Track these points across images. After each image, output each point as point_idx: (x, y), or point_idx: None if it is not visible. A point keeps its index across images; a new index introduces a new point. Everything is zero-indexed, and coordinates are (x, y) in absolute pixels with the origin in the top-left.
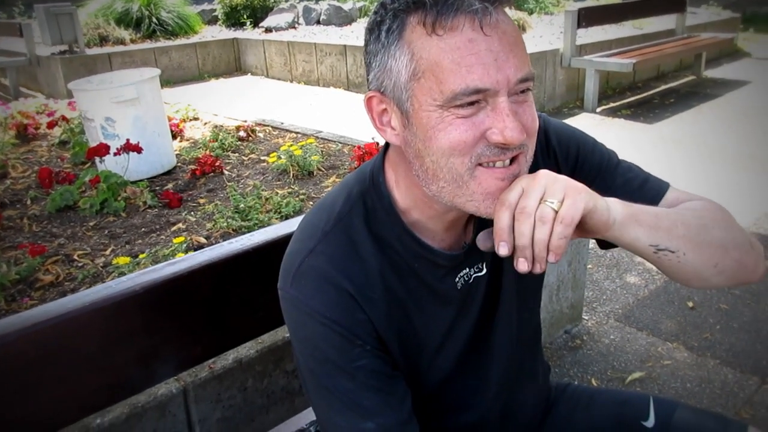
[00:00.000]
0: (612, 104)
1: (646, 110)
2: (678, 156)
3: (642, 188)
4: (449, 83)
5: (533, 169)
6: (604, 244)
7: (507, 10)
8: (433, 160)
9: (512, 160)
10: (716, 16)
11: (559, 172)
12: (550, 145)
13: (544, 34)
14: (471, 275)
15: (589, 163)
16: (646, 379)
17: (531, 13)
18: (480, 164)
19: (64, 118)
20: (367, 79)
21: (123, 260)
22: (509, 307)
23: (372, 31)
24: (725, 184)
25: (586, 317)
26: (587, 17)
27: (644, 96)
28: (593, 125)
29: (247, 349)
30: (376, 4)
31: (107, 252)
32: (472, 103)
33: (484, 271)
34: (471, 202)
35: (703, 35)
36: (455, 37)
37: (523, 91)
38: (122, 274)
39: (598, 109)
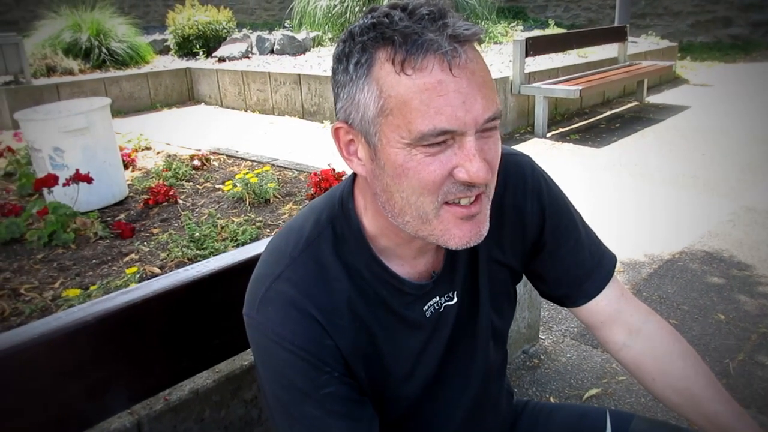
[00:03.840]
0: (561, 129)
1: (594, 135)
2: (625, 178)
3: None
4: (417, 124)
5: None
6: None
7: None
8: (403, 197)
9: (475, 198)
10: (655, 45)
11: (523, 224)
12: (541, 203)
13: (494, 62)
14: (441, 304)
15: (563, 236)
16: (603, 395)
17: (480, 42)
18: (446, 202)
19: (9, 149)
20: (335, 107)
21: (73, 292)
22: (484, 337)
23: (340, 61)
24: (671, 204)
25: (543, 336)
26: (534, 46)
27: (591, 121)
28: (544, 150)
29: (204, 379)
30: (344, 32)
31: (56, 285)
32: (439, 142)
33: (455, 300)
34: (432, 235)
35: (644, 63)
36: (424, 77)
37: (489, 128)
38: (72, 306)
39: (548, 135)
